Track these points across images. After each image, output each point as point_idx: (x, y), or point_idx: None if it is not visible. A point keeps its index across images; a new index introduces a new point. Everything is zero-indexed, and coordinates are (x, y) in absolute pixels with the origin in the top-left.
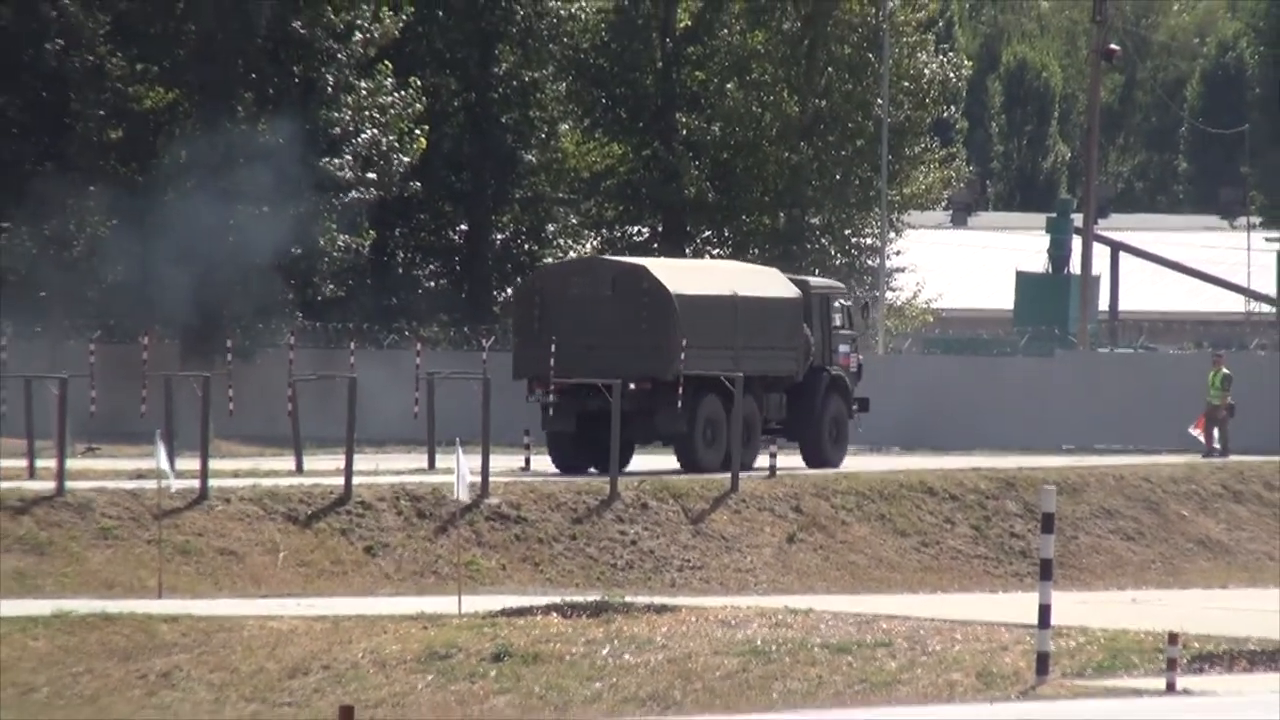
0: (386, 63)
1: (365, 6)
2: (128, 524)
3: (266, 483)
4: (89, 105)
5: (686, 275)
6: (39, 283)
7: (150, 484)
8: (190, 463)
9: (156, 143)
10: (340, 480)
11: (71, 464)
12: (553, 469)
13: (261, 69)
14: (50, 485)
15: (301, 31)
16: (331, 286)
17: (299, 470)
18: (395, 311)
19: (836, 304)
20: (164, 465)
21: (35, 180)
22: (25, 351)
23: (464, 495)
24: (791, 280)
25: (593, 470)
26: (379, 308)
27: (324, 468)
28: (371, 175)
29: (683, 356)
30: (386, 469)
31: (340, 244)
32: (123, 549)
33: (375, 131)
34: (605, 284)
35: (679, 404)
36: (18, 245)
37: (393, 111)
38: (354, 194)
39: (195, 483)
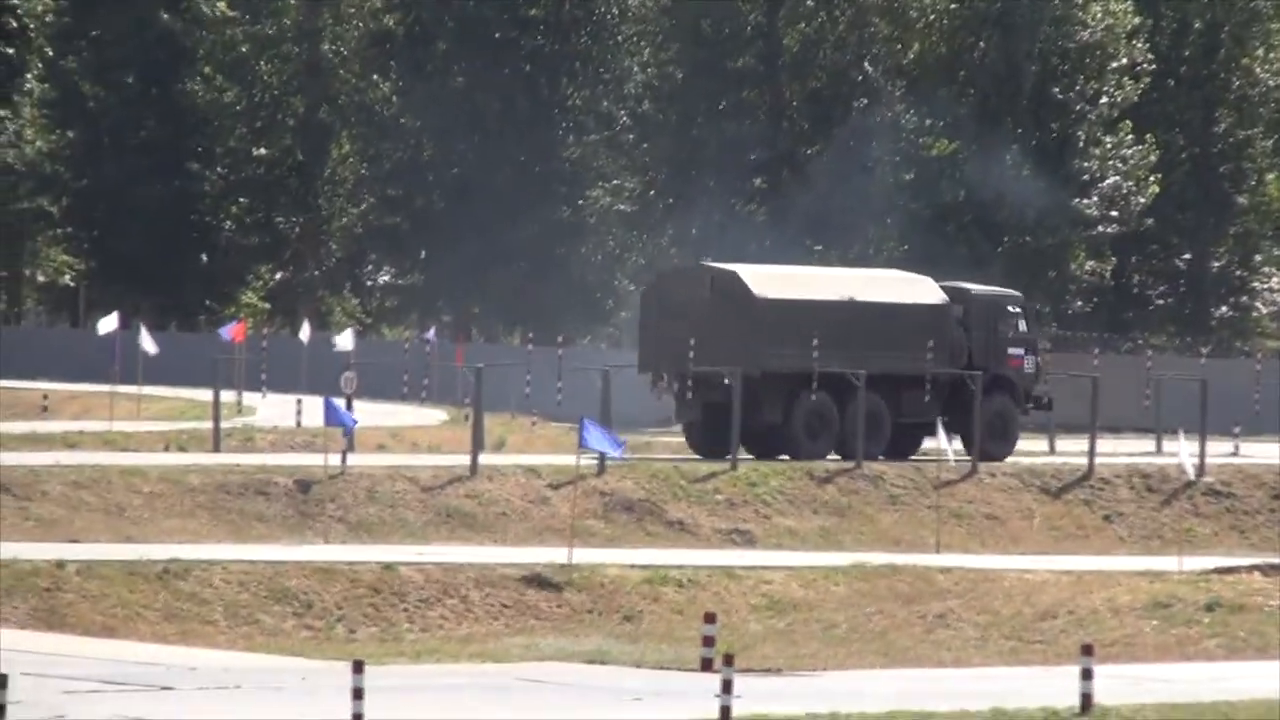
0: (1127, 121)
1: (1111, 76)
2: (912, 493)
3: (1025, 460)
4: (886, 153)
5: (784, 281)
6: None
7: (930, 460)
8: (957, 443)
9: (940, 185)
10: (1085, 460)
11: None
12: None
13: (1026, 125)
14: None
15: (1059, 96)
16: (1080, 302)
17: (1051, 451)
18: (1130, 324)
19: (1006, 310)
20: (944, 445)
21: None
22: None
23: (1190, 473)
24: (947, 288)
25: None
26: (1117, 321)
27: (1071, 449)
28: (1113, 213)
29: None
30: (1123, 451)
31: (1088, 268)
32: (907, 512)
33: (1117, 178)
34: (705, 286)
35: (775, 397)
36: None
37: (1131, 162)
38: (1099, 228)
39: (968, 460)
